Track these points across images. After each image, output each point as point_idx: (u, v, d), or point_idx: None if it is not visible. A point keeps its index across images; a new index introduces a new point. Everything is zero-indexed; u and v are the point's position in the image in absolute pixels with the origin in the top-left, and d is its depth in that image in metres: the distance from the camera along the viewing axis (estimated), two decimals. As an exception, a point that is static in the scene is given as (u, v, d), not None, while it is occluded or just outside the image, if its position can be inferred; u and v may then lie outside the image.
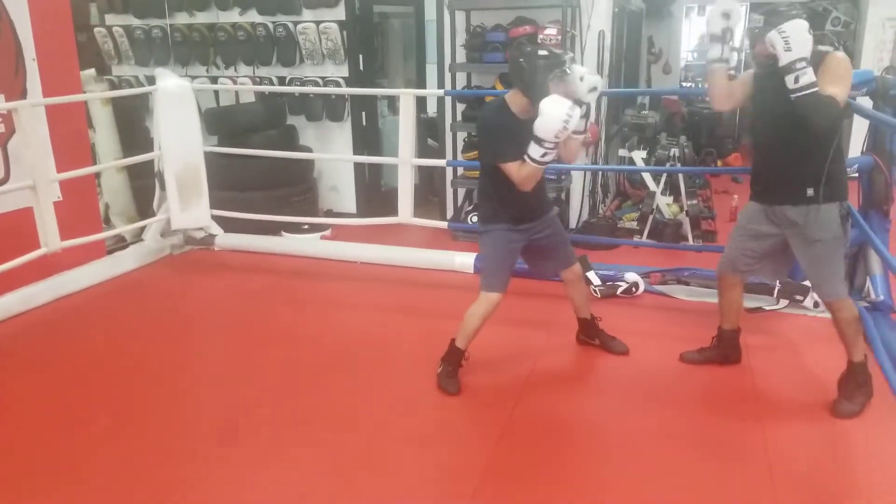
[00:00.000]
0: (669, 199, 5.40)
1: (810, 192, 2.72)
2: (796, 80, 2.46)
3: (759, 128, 2.97)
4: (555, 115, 2.61)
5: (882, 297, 3.72)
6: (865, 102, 3.82)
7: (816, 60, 2.51)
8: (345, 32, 5.72)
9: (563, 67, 2.74)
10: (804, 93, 2.47)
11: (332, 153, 6.10)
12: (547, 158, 2.72)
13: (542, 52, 2.81)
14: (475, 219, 5.41)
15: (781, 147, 2.78)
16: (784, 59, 2.46)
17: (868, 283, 3.85)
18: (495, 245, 3.07)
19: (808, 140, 2.66)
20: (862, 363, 2.89)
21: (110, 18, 6.45)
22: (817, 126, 2.55)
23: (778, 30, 2.47)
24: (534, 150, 2.70)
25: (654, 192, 5.29)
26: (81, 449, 2.74)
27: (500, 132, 2.86)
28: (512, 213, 3.02)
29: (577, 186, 5.58)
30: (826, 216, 2.73)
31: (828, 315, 3.01)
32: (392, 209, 4.70)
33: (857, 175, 3.82)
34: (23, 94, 4.14)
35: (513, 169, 2.80)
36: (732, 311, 3.23)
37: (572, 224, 5.59)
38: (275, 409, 3.01)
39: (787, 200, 2.80)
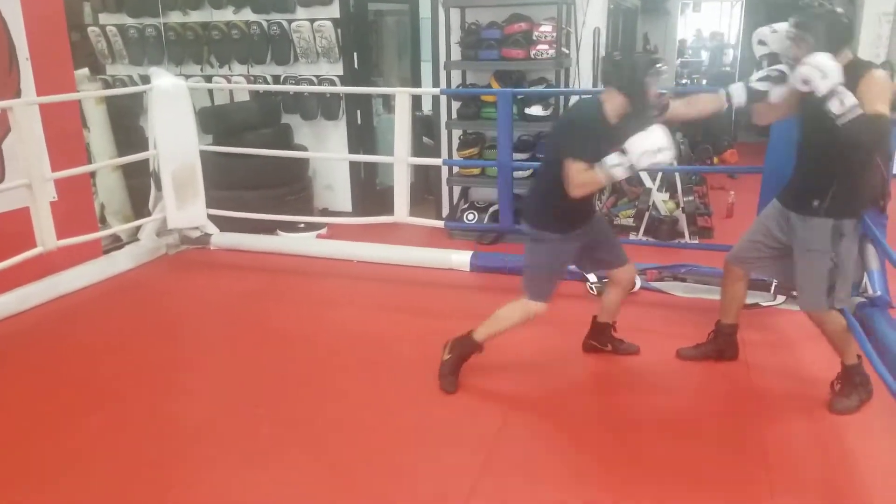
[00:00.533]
0: (665, 196, 5.40)
1: (815, 203, 2.73)
2: (841, 103, 2.43)
3: (799, 137, 2.94)
4: (654, 140, 2.60)
5: (879, 293, 3.72)
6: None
7: (855, 76, 2.51)
8: (339, 30, 5.70)
9: (657, 65, 2.75)
10: (852, 116, 2.43)
11: (327, 152, 6.09)
12: (617, 172, 2.66)
13: (638, 52, 2.85)
14: (471, 217, 5.41)
15: (809, 159, 2.81)
16: (824, 87, 2.44)
17: (865, 278, 3.85)
18: (549, 255, 2.98)
19: (833, 156, 2.65)
20: (855, 365, 2.90)
21: (104, 17, 6.41)
22: (867, 144, 2.54)
23: (807, 64, 2.47)
24: (612, 159, 2.64)
25: (650, 189, 5.29)
26: (77, 449, 2.73)
27: (584, 129, 2.79)
28: (568, 219, 2.94)
29: (574, 184, 5.56)
30: (821, 228, 2.74)
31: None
32: (388, 208, 4.69)
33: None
34: (17, 94, 4.12)
35: (576, 169, 2.69)
36: (733, 305, 3.22)
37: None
38: (271, 409, 3.00)
39: (796, 208, 2.82)
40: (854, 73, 2.50)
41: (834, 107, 2.44)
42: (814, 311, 2.86)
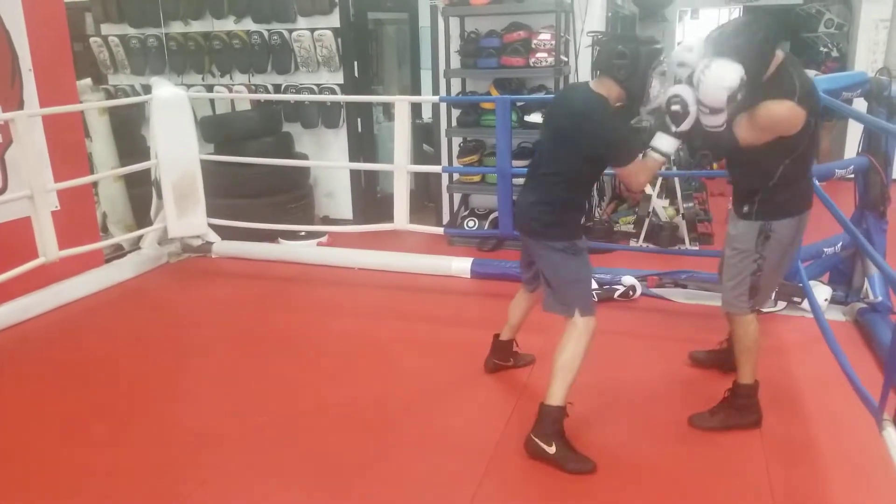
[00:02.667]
0: (665, 202, 5.41)
1: (745, 209, 2.67)
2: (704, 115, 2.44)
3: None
4: (728, 75, 2.30)
5: (881, 298, 3.72)
6: (860, 104, 3.83)
7: (761, 99, 2.41)
8: (339, 39, 5.73)
9: (661, 57, 2.57)
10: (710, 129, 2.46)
11: (327, 160, 6.11)
12: (672, 148, 2.53)
13: (644, 40, 2.61)
14: (471, 224, 5.42)
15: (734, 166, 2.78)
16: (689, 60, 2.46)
17: (866, 284, 3.86)
18: (585, 264, 2.76)
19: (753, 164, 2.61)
20: (748, 386, 2.78)
21: (106, 28, 6.45)
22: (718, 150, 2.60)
23: (708, 62, 2.37)
24: (663, 141, 2.50)
25: (650, 196, 5.30)
26: (79, 457, 2.74)
27: (625, 128, 2.61)
28: (581, 223, 2.80)
29: (574, 190, 5.57)
30: (747, 230, 2.67)
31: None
32: (388, 215, 4.70)
33: (853, 176, 3.83)
34: (19, 105, 4.14)
35: (636, 167, 2.54)
36: None
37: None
38: (273, 416, 3.00)
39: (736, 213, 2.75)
40: (768, 89, 2.42)
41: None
42: (732, 311, 2.77)
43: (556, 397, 2.58)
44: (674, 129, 2.50)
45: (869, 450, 2.64)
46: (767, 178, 2.57)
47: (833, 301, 3.92)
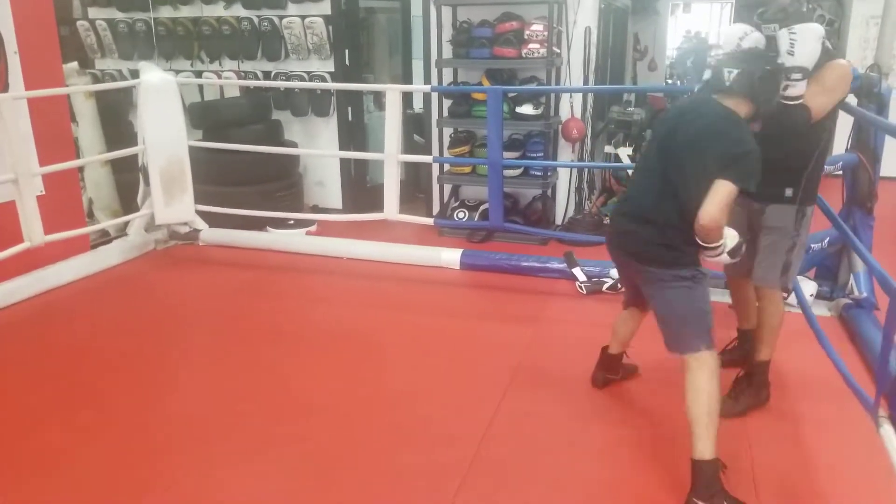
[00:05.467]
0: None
1: (789, 192, 2.71)
2: (785, 88, 2.45)
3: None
4: (815, 26, 2.41)
5: (865, 294, 3.75)
6: (850, 100, 3.83)
7: (819, 64, 2.50)
8: (330, 27, 5.69)
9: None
10: (787, 102, 2.48)
11: (317, 148, 6.07)
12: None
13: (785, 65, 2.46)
14: (461, 215, 5.41)
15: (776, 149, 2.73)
16: (784, 62, 2.44)
17: (851, 280, 3.89)
18: (705, 293, 2.48)
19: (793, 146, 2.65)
20: (764, 363, 2.88)
21: (93, 12, 6.37)
22: (786, 131, 2.56)
23: (789, 29, 2.44)
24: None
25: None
26: (63, 443, 2.72)
27: (754, 147, 2.33)
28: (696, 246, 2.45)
29: (563, 183, 5.59)
30: (783, 212, 2.74)
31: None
32: (378, 205, 4.68)
33: (840, 173, 3.85)
34: (4, 88, 4.09)
35: (731, 196, 2.29)
36: (746, 310, 3.15)
37: (558, 220, 5.61)
38: (258, 405, 2.99)
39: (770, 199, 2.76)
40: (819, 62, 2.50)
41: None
42: (767, 285, 2.83)
43: (706, 450, 2.32)
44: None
45: (855, 444, 2.67)
46: (808, 160, 2.66)
47: (818, 296, 3.95)
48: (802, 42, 2.42)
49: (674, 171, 2.41)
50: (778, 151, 2.58)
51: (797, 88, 2.46)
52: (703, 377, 2.38)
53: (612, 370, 3.17)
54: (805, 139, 2.65)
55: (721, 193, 2.25)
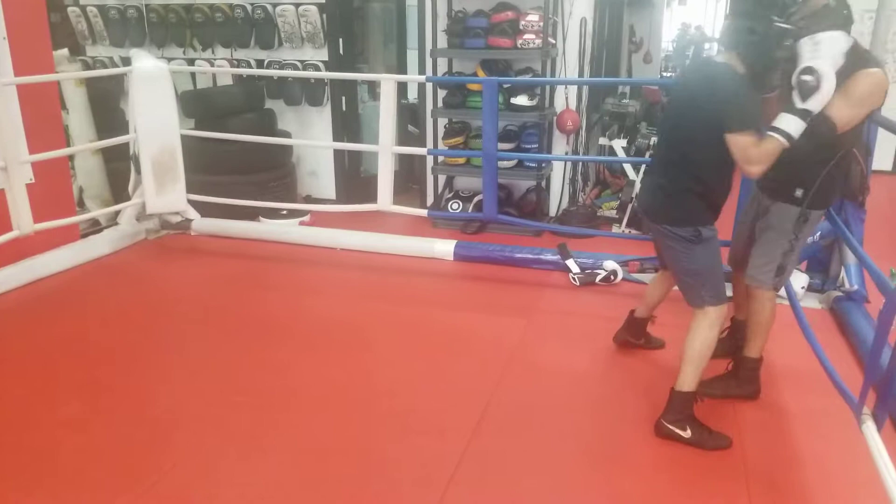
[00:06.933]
0: (649, 188, 5.41)
1: (799, 192, 2.68)
2: (796, 80, 2.35)
3: None
4: (841, 35, 2.32)
5: (856, 287, 3.77)
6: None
7: (848, 72, 2.40)
8: (324, 16, 5.65)
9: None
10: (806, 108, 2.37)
11: (311, 138, 6.04)
12: (797, 130, 2.34)
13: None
14: (455, 206, 5.40)
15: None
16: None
17: (843, 272, 3.90)
18: (715, 252, 2.64)
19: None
20: (753, 359, 2.91)
21: (84, -2, 6.31)
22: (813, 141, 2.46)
23: (812, 38, 2.35)
24: (786, 121, 2.33)
25: (633, 181, 5.31)
26: (52, 434, 2.70)
27: (749, 98, 2.42)
28: (716, 208, 2.62)
29: (558, 174, 5.58)
30: (786, 212, 2.72)
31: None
32: (372, 196, 4.66)
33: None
34: (-7, 74, 4.04)
35: (749, 143, 2.35)
36: (743, 301, 3.14)
37: (552, 212, 5.60)
38: (250, 396, 2.98)
39: (779, 196, 2.75)
40: (847, 71, 2.40)
41: (794, 98, 2.35)
42: (758, 286, 2.82)
43: (687, 383, 2.63)
44: (800, 104, 2.34)
45: (844, 437, 2.68)
46: (825, 163, 2.60)
47: (809, 289, 3.97)
48: (826, 50, 2.32)
49: (681, 128, 2.57)
50: (795, 150, 2.51)
51: (815, 101, 2.32)
52: (704, 325, 2.62)
53: (635, 334, 3.27)
54: (824, 142, 2.55)
55: (738, 146, 2.36)
